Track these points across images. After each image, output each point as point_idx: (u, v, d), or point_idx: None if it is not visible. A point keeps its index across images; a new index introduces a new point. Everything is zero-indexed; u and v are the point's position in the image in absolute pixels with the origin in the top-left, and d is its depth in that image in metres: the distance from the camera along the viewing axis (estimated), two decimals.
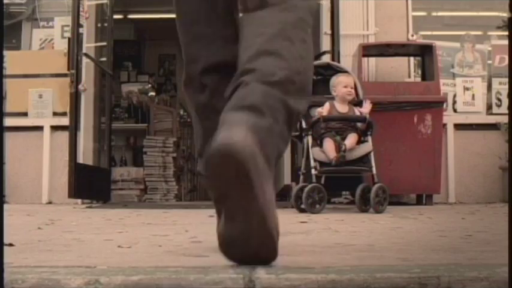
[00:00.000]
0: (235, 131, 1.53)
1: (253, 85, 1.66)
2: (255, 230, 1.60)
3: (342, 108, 5.10)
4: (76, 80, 6.22)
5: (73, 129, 6.20)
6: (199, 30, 2.01)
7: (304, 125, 5.06)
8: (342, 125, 5.02)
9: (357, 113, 5.13)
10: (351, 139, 4.95)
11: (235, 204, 1.58)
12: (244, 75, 1.70)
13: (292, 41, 1.74)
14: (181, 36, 2.07)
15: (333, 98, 5.15)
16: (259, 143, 1.56)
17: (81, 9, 6.51)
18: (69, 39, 6.65)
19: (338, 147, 4.88)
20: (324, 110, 5.02)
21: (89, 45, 6.80)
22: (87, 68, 6.75)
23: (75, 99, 6.25)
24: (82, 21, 6.61)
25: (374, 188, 4.81)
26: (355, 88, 5.20)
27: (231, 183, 1.54)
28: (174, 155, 9.17)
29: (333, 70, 5.35)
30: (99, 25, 7.15)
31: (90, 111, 6.89)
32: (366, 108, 5.12)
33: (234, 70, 1.83)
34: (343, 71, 5.35)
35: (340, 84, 5.12)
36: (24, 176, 6.72)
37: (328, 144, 4.91)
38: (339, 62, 5.94)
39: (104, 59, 7.14)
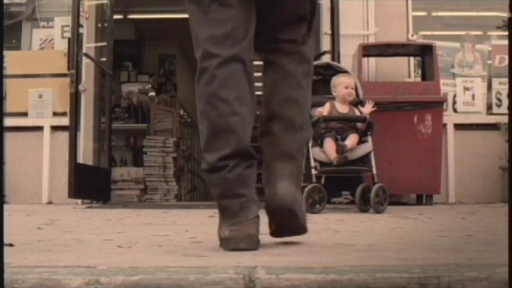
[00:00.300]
0: (283, 187, 2.34)
1: (283, 135, 2.42)
2: (298, 233, 2.46)
3: (343, 109, 5.10)
4: (76, 80, 6.21)
5: (73, 129, 6.18)
6: (213, 31, 2.34)
7: None
8: (342, 125, 5.01)
9: (357, 113, 5.13)
10: (351, 139, 4.95)
11: (286, 224, 2.40)
12: (273, 120, 2.45)
13: (304, 89, 2.49)
14: (199, 36, 2.40)
15: (333, 98, 5.15)
16: (297, 184, 2.40)
17: (81, 9, 6.50)
18: (69, 39, 6.64)
19: (341, 149, 4.87)
20: (324, 110, 5.01)
21: (89, 45, 6.79)
22: (87, 68, 6.74)
23: (75, 99, 6.24)
24: (82, 21, 6.59)
25: (374, 188, 4.80)
26: (356, 88, 5.20)
27: (284, 215, 2.36)
28: (174, 155, 9.16)
29: (333, 70, 5.34)
30: (99, 25, 7.14)
31: (90, 111, 6.88)
32: (367, 108, 5.11)
33: (242, 64, 2.34)
34: (343, 71, 5.34)
35: (341, 85, 5.11)
36: (24, 176, 6.71)
37: (329, 145, 4.91)
38: (339, 62, 5.93)
39: (104, 59, 7.12)
